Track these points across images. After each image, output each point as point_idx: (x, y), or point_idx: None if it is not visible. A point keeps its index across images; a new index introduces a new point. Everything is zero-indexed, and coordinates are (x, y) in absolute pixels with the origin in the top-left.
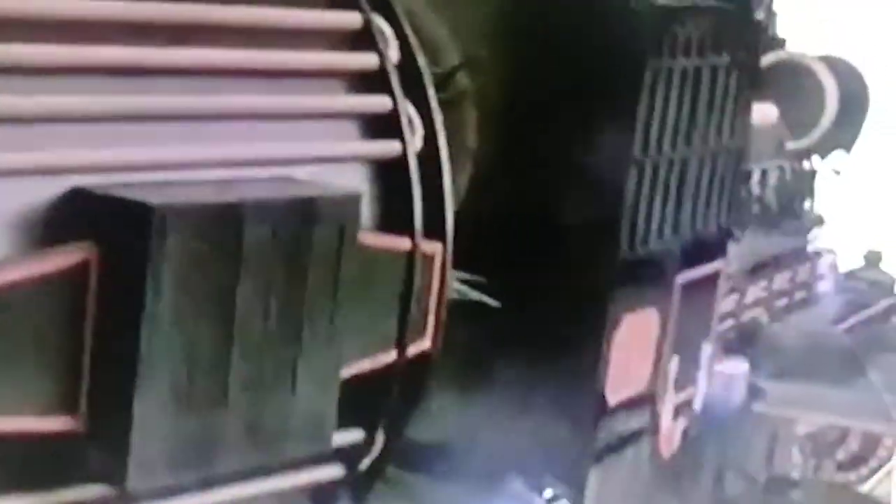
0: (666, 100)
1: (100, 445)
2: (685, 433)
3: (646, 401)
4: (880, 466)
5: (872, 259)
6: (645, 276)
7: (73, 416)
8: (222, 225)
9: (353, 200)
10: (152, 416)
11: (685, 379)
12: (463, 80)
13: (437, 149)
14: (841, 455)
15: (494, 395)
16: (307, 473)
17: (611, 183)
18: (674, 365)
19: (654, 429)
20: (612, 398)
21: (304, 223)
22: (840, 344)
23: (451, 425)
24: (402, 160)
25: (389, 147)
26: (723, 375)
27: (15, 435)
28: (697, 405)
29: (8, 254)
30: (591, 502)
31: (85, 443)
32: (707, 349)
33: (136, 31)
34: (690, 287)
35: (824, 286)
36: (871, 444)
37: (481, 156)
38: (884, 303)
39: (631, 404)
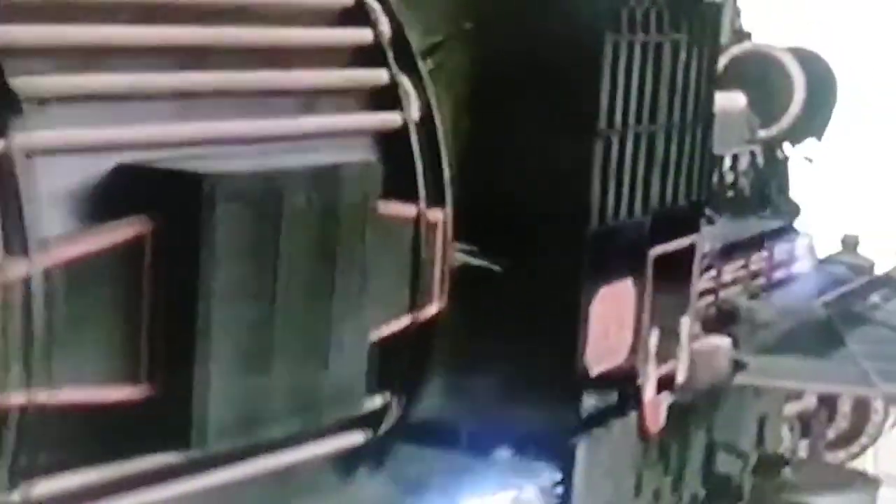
0: (628, 74)
1: (164, 413)
2: (671, 409)
3: (628, 372)
4: (870, 444)
5: (850, 243)
6: (618, 249)
7: (137, 385)
8: (266, 192)
9: (374, 168)
10: (213, 383)
11: (666, 352)
12: (429, 61)
13: (432, 118)
14: (831, 434)
15: (480, 372)
16: (334, 440)
17: (578, 156)
18: (654, 337)
19: (637, 401)
20: (594, 368)
21: (334, 190)
22: (818, 317)
23: (441, 402)
24: (399, 131)
25: (390, 118)
26: (705, 350)
27: (82, 406)
28: (680, 378)
29: (65, 231)
30: (581, 477)
31: (149, 411)
32: (686, 323)
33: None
34: (665, 260)
35: (801, 266)
36: (860, 421)
37: (451, 134)
38: (860, 281)
39: (613, 375)
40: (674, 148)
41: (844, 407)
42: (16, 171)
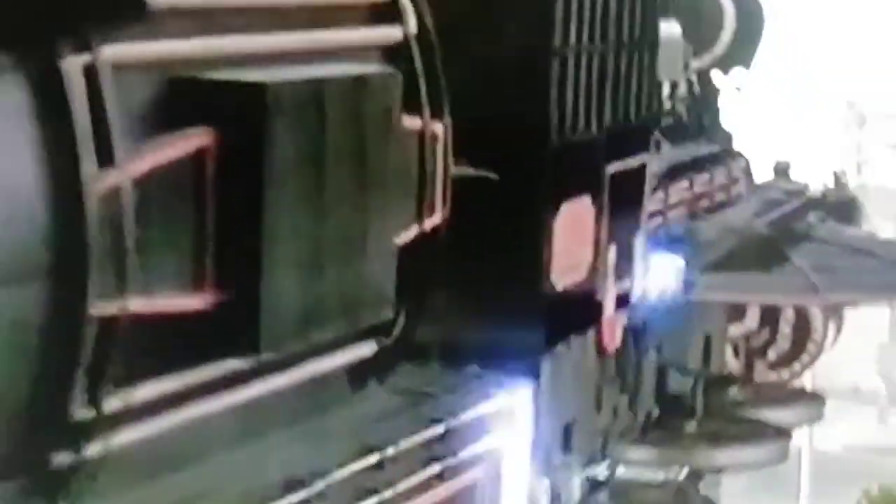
0: None
1: (232, 320)
2: (627, 329)
3: (589, 288)
4: (811, 363)
5: (781, 169)
6: (576, 165)
7: (205, 293)
8: (318, 100)
9: (397, 78)
10: (276, 289)
11: (623, 269)
12: None
13: (427, 33)
14: (772, 355)
15: (451, 290)
16: (350, 350)
17: (536, 73)
18: (612, 255)
19: (598, 317)
20: (559, 282)
21: (369, 98)
22: (762, 235)
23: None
24: (400, 45)
25: (392, 32)
26: (657, 269)
27: (159, 315)
28: (637, 295)
29: (137, 144)
30: (546, 391)
31: (216, 319)
32: (641, 241)
33: None
34: (619, 178)
35: (741, 188)
36: (800, 342)
37: None
38: (796, 202)
39: (576, 291)
40: (623, 68)
41: (785, 328)
42: (103, 82)
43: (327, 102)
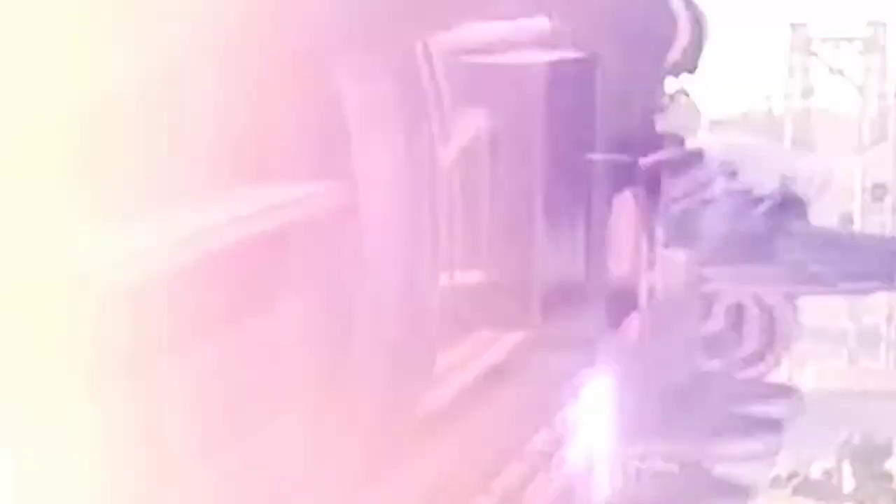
0: None
1: (512, 295)
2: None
3: (630, 278)
4: (777, 361)
5: (730, 171)
6: (621, 159)
7: (483, 269)
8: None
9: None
10: (548, 266)
11: (651, 260)
12: None
13: None
14: (742, 353)
15: None
16: None
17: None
18: (644, 246)
19: (635, 307)
20: (614, 272)
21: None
22: (750, 230)
23: None
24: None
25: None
26: (667, 262)
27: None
28: (659, 286)
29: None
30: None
31: (496, 293)
32: (660, 233)
33: None
34: (647, 173)
35: (720, 186)
36: (766, 341)
37: None
38: (752, 200)
39: (622, 281)
40: (640, 67)
41: (752, 327)
42: (437, 67)
43: (577, 78)
